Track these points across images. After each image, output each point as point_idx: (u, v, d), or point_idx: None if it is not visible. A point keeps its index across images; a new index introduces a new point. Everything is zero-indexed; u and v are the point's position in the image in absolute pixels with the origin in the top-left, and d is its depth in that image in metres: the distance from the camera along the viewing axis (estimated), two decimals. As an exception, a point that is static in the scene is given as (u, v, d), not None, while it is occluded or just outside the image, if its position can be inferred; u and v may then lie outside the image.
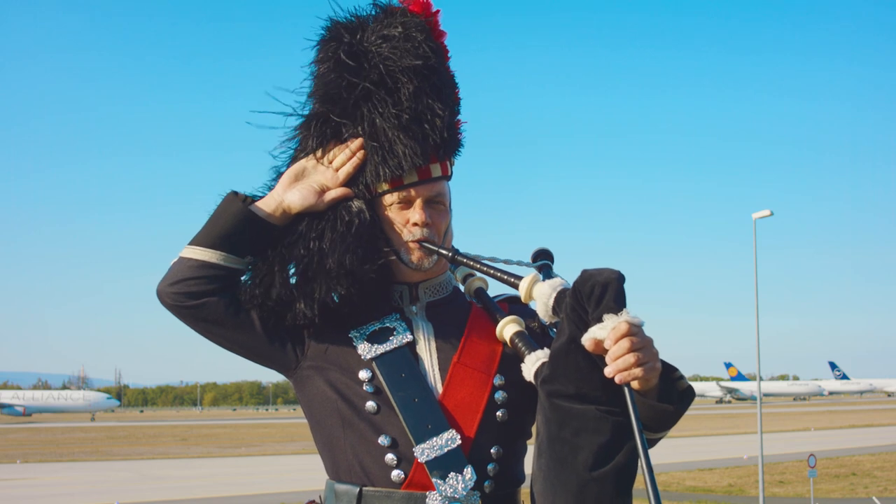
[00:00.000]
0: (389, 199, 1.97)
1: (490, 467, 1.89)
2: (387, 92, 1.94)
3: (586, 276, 1.70)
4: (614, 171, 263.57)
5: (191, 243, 1.95)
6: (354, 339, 1.97)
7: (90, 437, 49.51)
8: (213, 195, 2.00)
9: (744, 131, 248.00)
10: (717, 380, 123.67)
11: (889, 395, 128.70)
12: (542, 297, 1.84)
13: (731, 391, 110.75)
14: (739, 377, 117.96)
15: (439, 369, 1.95)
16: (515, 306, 2.05)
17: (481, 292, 2.08)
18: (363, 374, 1.93)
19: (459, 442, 1.85)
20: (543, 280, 1.87)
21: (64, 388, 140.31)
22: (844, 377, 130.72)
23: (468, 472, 1.83)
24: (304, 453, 32.64)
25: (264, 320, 1.96)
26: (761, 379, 22.71)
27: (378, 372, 1.92)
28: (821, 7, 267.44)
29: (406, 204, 1.97)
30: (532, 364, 1.84)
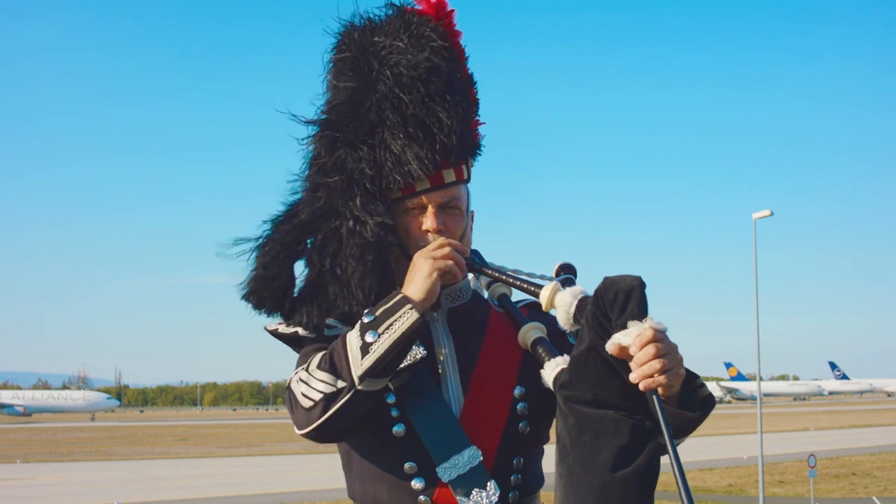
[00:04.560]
0: (403, 206, 1.95)
1: (513, 478, 1.89)
2: (394, 101, 1.92)
3: (608, 283, 1.71)
4: (614, 171, 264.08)
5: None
6: None
7: (90, 437, 49.51)
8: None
9: (744, 131, 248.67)
10: (717, 380, 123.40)
11: (889, 395, 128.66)
12: (563, 304, 1.84)
13: (731, 391, 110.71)
14: (739, 377, 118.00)
15: (461, 382, 1.93)
16: (535, 312, 2.04)
17: (505, 298, 2.06)
18: (388, 398, 1.88)
19: (481, 458, 1.84)
20: (564, 289, 1.87)
21: (64, 388, 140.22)
22: (844, 377, 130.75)
23: (491, 486, 1.83)
24: (305, 453, 32.63)
25: None
26: (761, 379, 22.70)
27: (398, 393, 1.88)
28: (821, 7, 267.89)
29: (420, 210, 1.96)
30: (552, 370, 1.84)
